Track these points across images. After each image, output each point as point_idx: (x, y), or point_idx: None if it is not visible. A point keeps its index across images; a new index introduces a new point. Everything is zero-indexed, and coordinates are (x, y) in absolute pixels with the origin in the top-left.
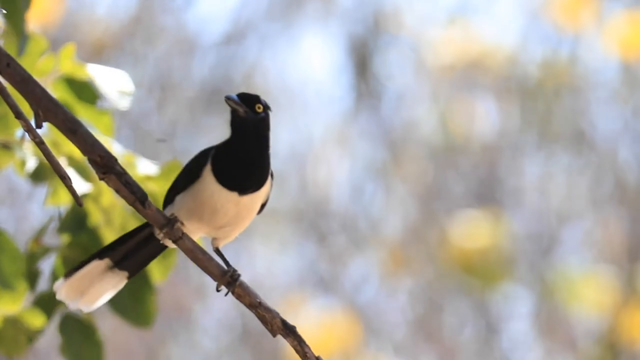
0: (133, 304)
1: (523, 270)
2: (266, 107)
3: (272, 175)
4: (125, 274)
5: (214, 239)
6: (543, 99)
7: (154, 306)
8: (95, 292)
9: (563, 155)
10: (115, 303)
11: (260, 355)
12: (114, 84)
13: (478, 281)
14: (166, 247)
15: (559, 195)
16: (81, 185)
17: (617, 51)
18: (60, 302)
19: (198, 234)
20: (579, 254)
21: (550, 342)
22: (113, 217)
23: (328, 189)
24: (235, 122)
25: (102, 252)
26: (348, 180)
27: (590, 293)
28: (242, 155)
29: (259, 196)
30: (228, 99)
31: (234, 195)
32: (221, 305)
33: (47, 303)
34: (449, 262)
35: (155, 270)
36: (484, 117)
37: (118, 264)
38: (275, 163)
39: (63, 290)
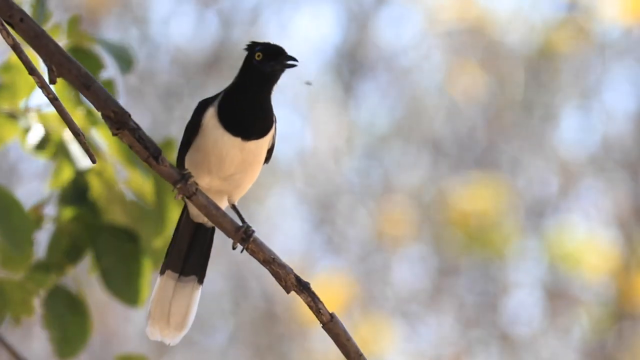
0: (125, 284)
1: (527, 234)
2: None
3: (275, 121)
4: (193, 278)
5: (229, 197)
6: (545, 62)
7: (147, 287)
8: (177, 310)
9: (566, 118)
10: (108, 282)
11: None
12: (118, 52)
13: (482, 245)
14: (213, 231)
15: (563, 158)
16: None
17: (620, 15)
18: (52, 274)
19: (212, 192)
20: (583, 218)
21: (554, 307)
22: (114, 193)
23: (330, 154)
24: (265, 72)
25: (162, 268)
26: (350, 145)
27: (595, 257)
28: (251, 101)
29: (263, 142)
30: (293, 61)
31: (237, 140)
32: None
33: (40, 273)
34: (453, 226)
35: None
36: (486, 81)
37: (183, 273)
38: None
39: (151, 325)
